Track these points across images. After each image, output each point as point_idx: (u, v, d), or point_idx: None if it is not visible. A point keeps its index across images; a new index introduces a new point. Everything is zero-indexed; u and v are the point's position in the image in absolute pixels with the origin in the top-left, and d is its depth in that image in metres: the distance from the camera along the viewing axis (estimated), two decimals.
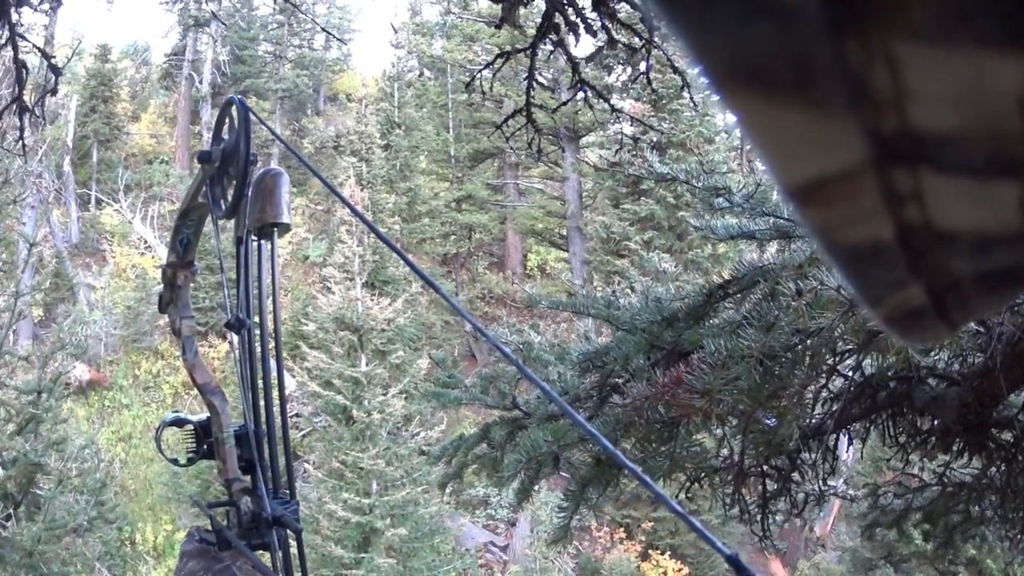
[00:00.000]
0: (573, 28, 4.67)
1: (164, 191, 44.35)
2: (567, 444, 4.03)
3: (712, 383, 3.31)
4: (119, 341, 35.99)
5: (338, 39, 51.67)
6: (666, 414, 3.60)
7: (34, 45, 5.78)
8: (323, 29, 39.53)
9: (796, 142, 0.39)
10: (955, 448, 4.31)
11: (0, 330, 14.20)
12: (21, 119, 5.43)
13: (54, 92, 5.84)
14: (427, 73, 45.91)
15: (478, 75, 5.69)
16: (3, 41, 5.09)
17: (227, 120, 2.22)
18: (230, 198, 2.22)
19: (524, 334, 5.04)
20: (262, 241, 2.26)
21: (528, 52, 4.98)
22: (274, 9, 51.01)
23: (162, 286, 2.80)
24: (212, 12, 42.17)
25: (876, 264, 0.44)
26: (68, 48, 29.28)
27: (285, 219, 2.19)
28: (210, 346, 35.57)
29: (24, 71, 5.15)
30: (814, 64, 0.36)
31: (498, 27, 4.96)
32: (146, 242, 40.72)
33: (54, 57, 5.98)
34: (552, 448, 3.99)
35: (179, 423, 2.59)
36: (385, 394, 24.26)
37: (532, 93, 5.25)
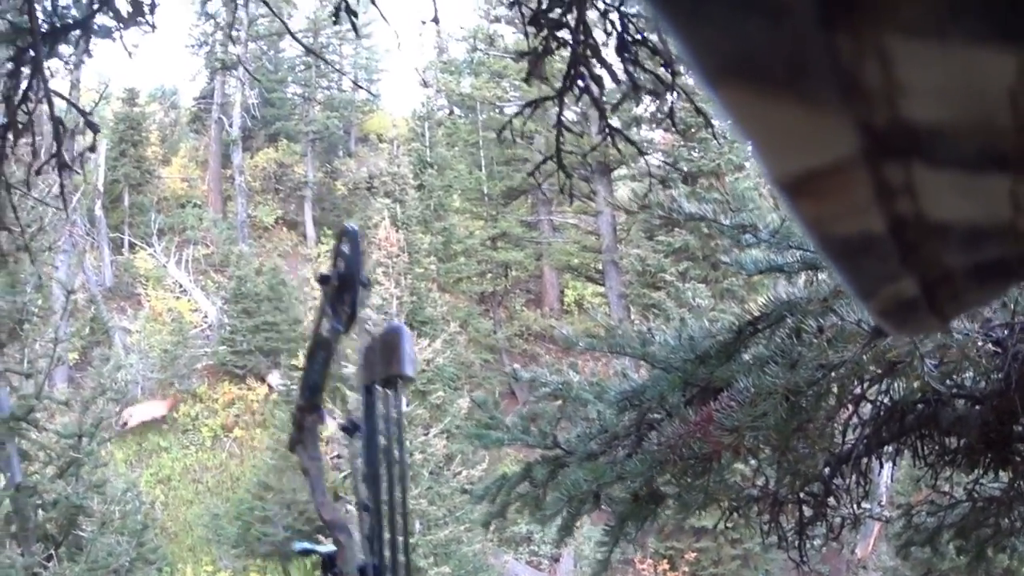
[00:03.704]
0: (598, 82, 4.81)
1: (198, 235, 44.45)
2: (606, 482, 4.14)
3: (741, 420, 3.42)
4: (156, 384, 35.94)
5: (367, 91, 51.04)
6: (699, 450, 3.71)
7: (70, 102, 5.88)
8: (353, 81, 39.60)
9: (787, 136, 0.40)
10: (982, 464, 4.38)
11: (39, 375, 14.37)
12: (61, 175, 5.49)
13: (93, 149, 5.94)
14: (456, 111, 45.49)
15: (508, 125, 5.80)
16: (40, 96, 5.16)
17: (342, 247, 2.42)
18: (346, 315, 2.42)
19: (563, 374, 5.13)
20: (388, 391, 2.44)
21: (555, 100, 5.11)
22: (303, 52, 50.82)
23: (291, 427, 2.96)
24: (238, 56, 42.03)
25: (868, 257, 0.45)
26: (95, 92, 29.39)
27: (409, 373, 2.38)
28: (248, 389, 35.86)
29: (61, 128, 5.22)
30: (805, 58, 0.37)
31: (526, 81, 5.09)
32: (181, 286, 40.86)
33: (91, 114, 6.08)
34: (592, 487, 4.11)
35: (307, 552, 2.75)
36: (426, 434, 24.35)
37: (562, 139, 5.36)
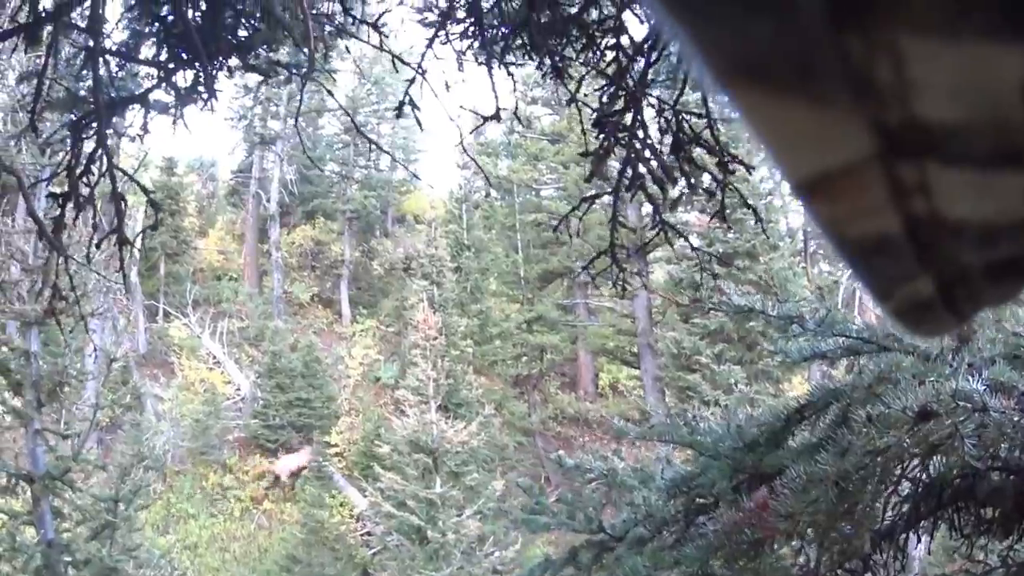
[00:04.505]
0: (658, 181, 4.91)
1: (233, 308, 44.48)
2: (664, 567, 4.19)
3: (795, 507, 3.51)
4: (186, 453, 35.86)
5: (412, 173, 50.44)
6: (752, 536, 3.78)
7: (133, 179, 5.88)
8: (394, 159, 39.51)
9: (801, 137, 0.40)
10: (1017, 531, 4.41)
11: (76, 438, 14.55)
12: (121, 251, 5.47)
13: (155, 227, 6.06)
14: (493, 193, 45.50)
15: (564, 220, 5.89)
16: (103, 170, 5.14)
17: None
18: None
19: (609, 461, 5.19)
20: None
21: (611, 195, 5.22)
22: (341, 129, 50.50)
23: None
24: (294, 122, 41.17)
25: (884, 257, 0.45)
26: (133, 159, 29.69)
27: None
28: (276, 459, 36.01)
29: (123, 204, 5.22)
30: (817, 58, 0.36)
31: (587, 181, 5.20)
32: (214, 357, 40.88)
33: (155, 192, 6.11)
34: (650, 571, 4.16)
35: None
36: (459, 515, 24.34)
37: (616, 235, 5.44)
